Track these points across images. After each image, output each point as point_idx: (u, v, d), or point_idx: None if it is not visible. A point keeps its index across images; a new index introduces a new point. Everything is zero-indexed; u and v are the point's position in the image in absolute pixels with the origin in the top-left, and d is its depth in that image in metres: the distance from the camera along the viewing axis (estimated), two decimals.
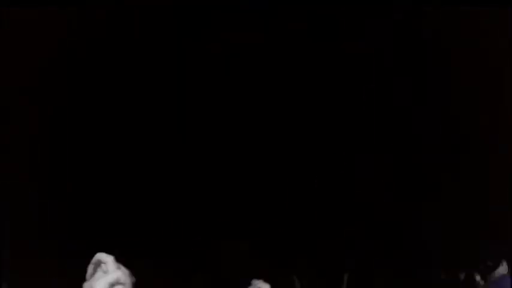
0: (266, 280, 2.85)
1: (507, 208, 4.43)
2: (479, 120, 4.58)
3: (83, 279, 1.65)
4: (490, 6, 4.45)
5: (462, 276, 3.70)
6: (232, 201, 4.40)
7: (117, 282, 1.60)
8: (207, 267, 4.21)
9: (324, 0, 4.57)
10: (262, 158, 4.50)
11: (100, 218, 4.40)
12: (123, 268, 1.57)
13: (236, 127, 4.61)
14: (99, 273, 1.60)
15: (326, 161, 4.24)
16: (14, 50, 4.54)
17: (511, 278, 3.40)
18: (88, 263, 1.67)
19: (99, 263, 1.61)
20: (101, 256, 1.60)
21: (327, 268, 3.99)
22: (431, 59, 4.59)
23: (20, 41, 4.55)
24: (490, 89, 4.54)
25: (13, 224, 4.34)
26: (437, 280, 4.23)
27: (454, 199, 4.49)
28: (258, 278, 3.25)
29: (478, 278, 3.50)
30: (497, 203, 4.43)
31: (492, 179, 4.50)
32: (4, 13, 4.43)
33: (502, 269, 3.48)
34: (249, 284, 2.70)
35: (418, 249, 4.31)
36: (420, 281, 4.25)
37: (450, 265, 4.26)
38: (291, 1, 4.59)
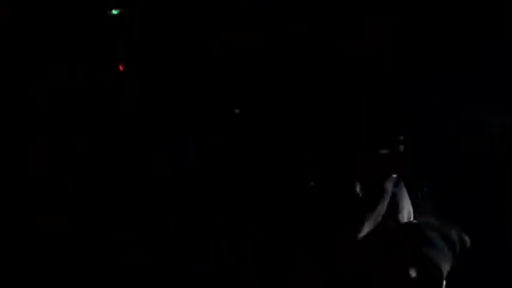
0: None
1: None
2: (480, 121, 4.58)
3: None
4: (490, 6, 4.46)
5: None
6: (231, 200, 4.40)
7: None
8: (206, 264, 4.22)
9: (324, 0, 4.58)
10: (262, 158, 4.51)
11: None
12: None
13: (236, 127, 4.62)
14: None
15: (326, 160, 4.23)
16: None
17: None
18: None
19: None
20: None
21: (327, 268, 3.98)
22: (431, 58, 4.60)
23: None
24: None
25: None
26: None
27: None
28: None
29: None
30: None
31: None
32: None
33: None
34: None
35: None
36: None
37: None
38: (291, 1, 4.60)
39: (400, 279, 2.85)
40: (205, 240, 4.40)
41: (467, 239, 2.99)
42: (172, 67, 4.59)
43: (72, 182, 4.42)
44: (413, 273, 2.79)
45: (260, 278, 4.03)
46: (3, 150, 4.39)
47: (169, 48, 4.59)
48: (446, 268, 2.83)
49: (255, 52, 4.60)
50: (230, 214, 4.44)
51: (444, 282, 2.84)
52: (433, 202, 4.31)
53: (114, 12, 3.29)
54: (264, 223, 4.35)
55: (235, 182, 4.47)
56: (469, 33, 4.45)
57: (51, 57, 4.50)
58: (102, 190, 4.44)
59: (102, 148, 4.47)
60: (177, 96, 4.58)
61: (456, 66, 4.47)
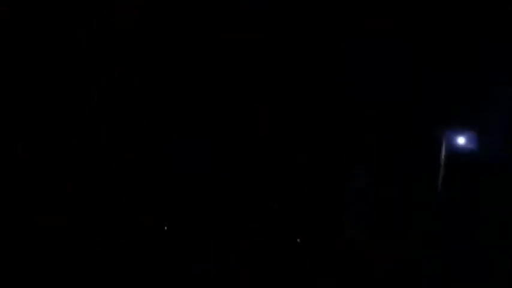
0: None
1: None
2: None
3: None
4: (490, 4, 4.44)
5: None
6: (231, 200, 4.40)
7: None
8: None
9: (324, 0, 4.56)
10: (261, 157, 4.50)
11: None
12: None
13: (236, 126, 4.62)
14: None
15: (324, 159, 4.23)
16: None
17: None
18: None
19: None
20: None
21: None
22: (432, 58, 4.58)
23: None
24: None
25: None
26: None
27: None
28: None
29: None
30: None
31: None
32: None
33: None
34: None
35: None
36: None
37: None
38: (291, 1, 4.59)
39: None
40: (205, 240, 4.40)
41: None
42: (172, 66, 4.58)
43: (72, 182, 4.42)
44: None
45: (260, 278, 4.03)
46: (3, 150, 4.39)
47: (169, 48, 4.58)
48: None
49: (255, 52, 4.59)
50: (230, 214, 4.44)
51: None
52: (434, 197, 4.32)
53: None
54: (263, 224, 4.34)
55: (236, 183, 4.47)
56: (469, 33, 4.43)
57: (51, 56, 4.51)
58: (102, 190, 4.44)
59: (102, 148, 4.47)
60: (178, 96, 4.57)
61: (456, 66, 4.46)
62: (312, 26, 4.58)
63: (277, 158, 4.44)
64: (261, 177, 4.41)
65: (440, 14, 4.42)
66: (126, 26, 4.57)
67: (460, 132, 4.40)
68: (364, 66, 4.48)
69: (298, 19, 4.58)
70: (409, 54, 4.42)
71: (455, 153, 4.47)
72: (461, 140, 4.45)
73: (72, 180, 4.43)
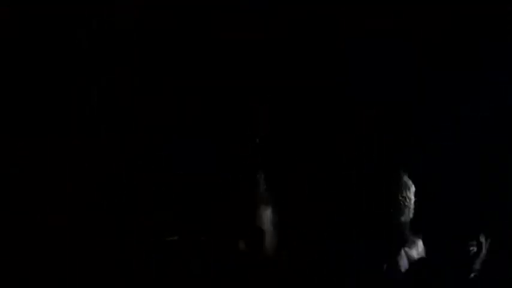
0: None
1: None
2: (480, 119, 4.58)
3: None
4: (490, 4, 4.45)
5: None
6: (231, 200, 4.41)
7: None
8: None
9: (324, 0, 4.58)
10: (261, 157, 4.51)
11: None
12: None
13: (236, 126, 4.63)
14: None
15: (323, 160, 4.24)
16: None
17: None
18: None
19: None
20: None
21: None
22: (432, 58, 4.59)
23: None
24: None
25: None
26: None
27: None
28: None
29: None
30: None
31: None
32: None
33: None
34: None
35: None
36: None
37: None
38: (291, 1, 4.60)
39: None
40: (206, 240, 4.39)
41: None
42: (172, 67, 4.60)
43: (72, 182, 4.43)
44: None
45: (260, 278, 4.03)
46: (3, 150, 4.40)
47: (169, 48, 4.60)
48: None
49: (255, 52, 4.60)
50: (230, 214, 4.44)
51: None
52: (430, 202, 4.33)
53: None
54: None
55: (236, 182, 4.48)
56: (469, 33, 4.45)
57: (51, 56, 4.52)
58: (102, 190, 4.45)
59: (102, 148, 4.48)
60: (178, 96, 4.59)
61: (456, 66, 4.47)
62: (312, 26, 4.59)
63: (277, 158, 4.45)
64: (261, 177, 4.42)
65: (440, 14, 4.43)
66: (126, 26, 4.58)
67: None
68: (364, 66, 4.49)
69: (298, 19, 4.59)
70: (409, 54, 4.44)
71: None
72: None
73: (72, 180, 4.44)
